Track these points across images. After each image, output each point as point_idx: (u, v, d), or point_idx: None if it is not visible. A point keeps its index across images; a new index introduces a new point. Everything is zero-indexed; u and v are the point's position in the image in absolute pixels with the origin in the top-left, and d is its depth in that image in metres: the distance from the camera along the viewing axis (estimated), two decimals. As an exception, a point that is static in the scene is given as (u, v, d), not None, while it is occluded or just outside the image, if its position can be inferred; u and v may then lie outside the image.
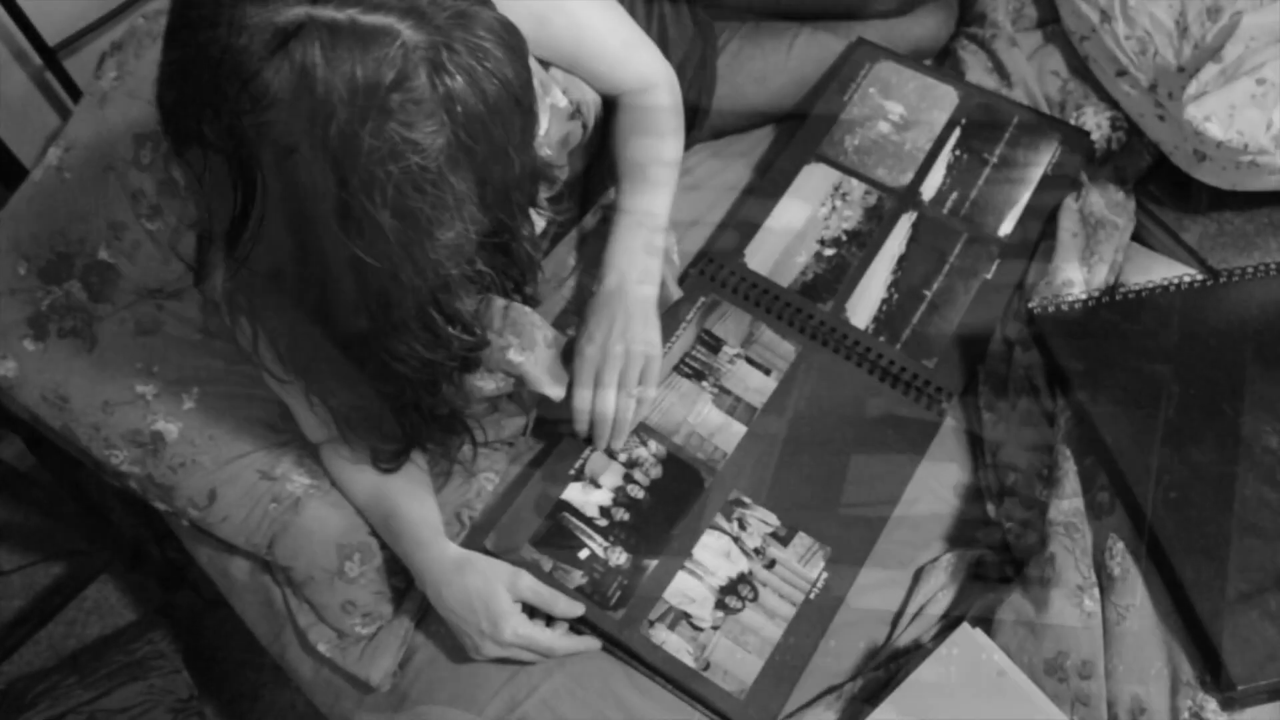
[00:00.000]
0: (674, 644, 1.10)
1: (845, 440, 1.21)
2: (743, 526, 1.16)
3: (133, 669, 1.60)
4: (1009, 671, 0.99)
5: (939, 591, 1.14)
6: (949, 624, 1.12)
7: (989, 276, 1.29)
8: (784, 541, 1.15)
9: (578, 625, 1.12)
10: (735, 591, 1.13)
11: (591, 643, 1.11)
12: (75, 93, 1.60)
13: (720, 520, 1.16)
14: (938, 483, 1.22)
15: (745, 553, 1.14)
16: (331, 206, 0.78)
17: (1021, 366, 1.20)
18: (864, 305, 1.28)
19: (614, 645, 1.12)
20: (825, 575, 1.13)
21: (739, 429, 1.20)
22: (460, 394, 1.08)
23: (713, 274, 1.30)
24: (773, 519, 1.16)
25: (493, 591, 1.07)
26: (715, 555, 1.14)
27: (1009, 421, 1.20)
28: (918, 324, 1.27)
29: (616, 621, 1.11)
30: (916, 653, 1.10)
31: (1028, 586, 1.05)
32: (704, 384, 1.23)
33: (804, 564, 1.14)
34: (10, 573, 1.78)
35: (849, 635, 1.14)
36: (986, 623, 1.05)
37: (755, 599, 1.12)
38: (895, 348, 1.25)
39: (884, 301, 1.28)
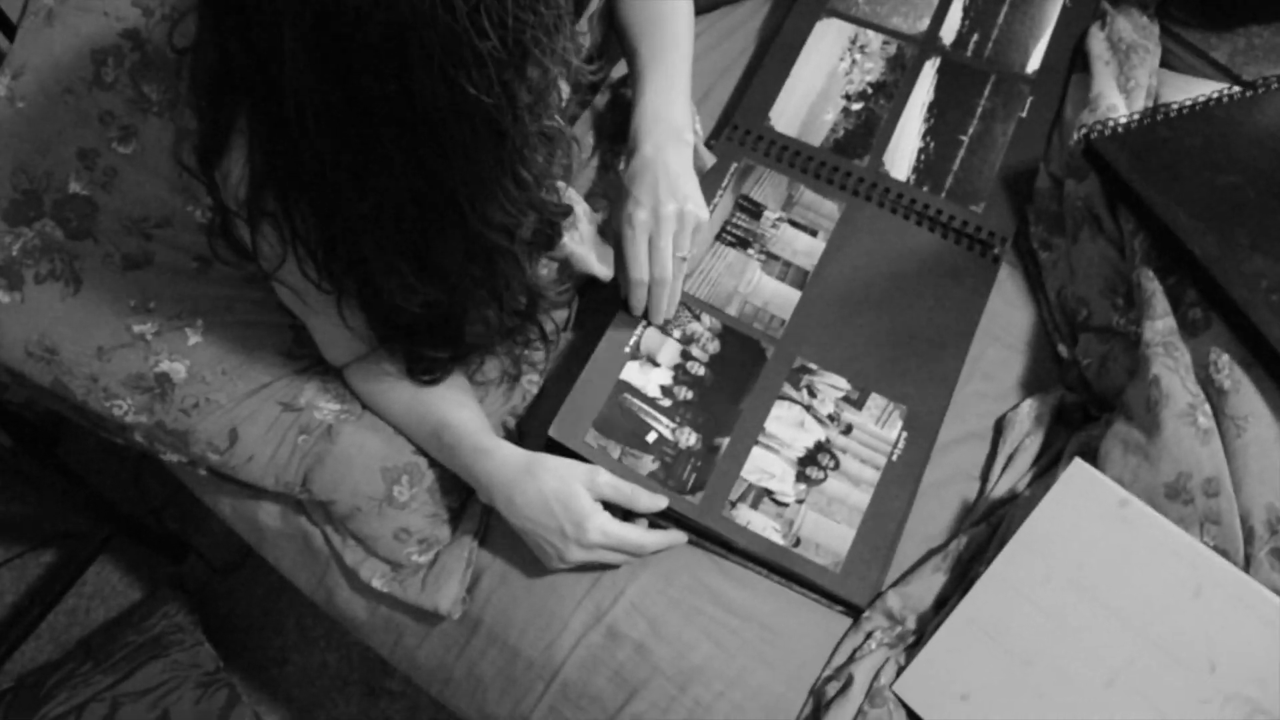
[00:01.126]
0: (760, 523, 1.00)
1: (905, 296, 1.11)
2: (813, 394, 1.06)
3: (151, 647, 1.46)
4: (1131, 501, 0.91)
5: (1025, 439, 1.06)
6: (1041, 470, 1.05)
7: (1023, 115, 1.21)
8: (857, 405, 1.06)
9: (657, 519, 1.02)
10: (815, 461, 1.03)
11: (679, 536, 1.01)
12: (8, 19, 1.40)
13: (789, 390, 1.06)
14: (1004, 331, 1.13)
15: (819, 420, 1.05)
16: (428, 39, 0.66)
17: (1078, 198, 1.11)
18: (901, 157, 1.18)
19: (699, 534, 1.02)
20: (905, 435, 1.04)
21: (793, 294, 1.10)
22: (536, 277, 0.96)
23: (740, 139, 1.19)
24: (843, 383, 1.07)
25: (571, 491, 0.96)
26: (789, 426, 1.05)
27: (1071, 257, 1.12)
28: (959, 170, 1.18)
29: (696, 507, 1.01)
30: (1016, 501, 1.02)
31: (1131, 414, 0.97)
32: (750, 251, 1.12)
33: (882, 426, 1.05)
34: (-1, 565, 1.62)
35: (939, 496, 1.05)
36: (1089, 459, 0.97)
37: (837, 467, 1.03)
38: (940, 196, 1.16)
39: (921, 151, 1.19)
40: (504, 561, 1.05)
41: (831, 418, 1.05)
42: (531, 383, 1.13)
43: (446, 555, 1.06)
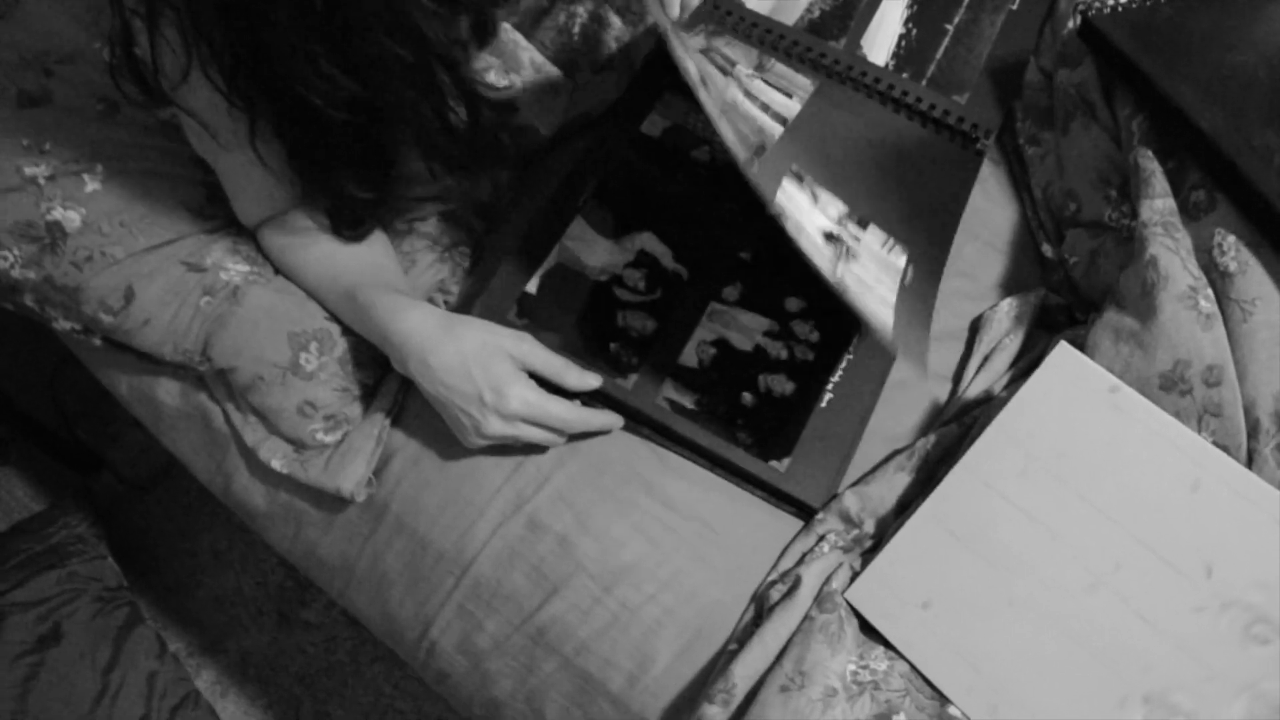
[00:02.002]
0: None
1: (884, 174, 0.99)
2: (815, 197, 0.91)
3: (48, 556, 1.31)
4: (1122, 388, 0.79)
5: (1004, 338, 0.93)
6: (1019, 372, 0.92)
7: (1014, 7, 1.09)
8: (861, 225, 0.91)
9: (591, 402, 0.89)
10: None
11: (613, 419, 0.88)
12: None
13: (789, 185, 0.91)
14: (983, 228, 1.01)
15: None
16: None
17: (1071, 86, 1.00)
18: (881, 41, 1.06)
19: (636, 420, 0.89)
20: (911, 268, 0.90)
21: (774, 125, 0.97)
22: (469, 86, 0.82)
23: (707, 15, 1.07)
24: (840, 204, 0.92)
25: (493, 353, 0.83)
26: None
27: (1060, 150, 1.00)
28: (942, 59, 1.06)
29: (630, 390, 0.88)
30: (991, 402, 0.89)
31: (1124, 301, 0.85)
32: (729, 78, 0.99)
33: (888, 252, 0.90)
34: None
35: (907, 396, 0.93)
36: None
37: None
38: (921, 84, 1.04)
39: (902, 38, 1.07)
40: (419, 443, 0.92)
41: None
42: (464, 255, 1.00)
43: (356, 434, 0.93)
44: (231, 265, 0.96)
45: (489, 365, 0.82)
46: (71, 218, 0.94)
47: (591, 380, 0.87)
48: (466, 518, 0.88)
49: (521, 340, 0.84)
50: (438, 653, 0.90)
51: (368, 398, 0.94)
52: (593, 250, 0.94)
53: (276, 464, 0.93)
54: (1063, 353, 0.81)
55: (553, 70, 0.99)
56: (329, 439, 0.93)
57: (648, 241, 0.94)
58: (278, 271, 0.96)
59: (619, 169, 0.98)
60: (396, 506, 0.91)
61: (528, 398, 0.83)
